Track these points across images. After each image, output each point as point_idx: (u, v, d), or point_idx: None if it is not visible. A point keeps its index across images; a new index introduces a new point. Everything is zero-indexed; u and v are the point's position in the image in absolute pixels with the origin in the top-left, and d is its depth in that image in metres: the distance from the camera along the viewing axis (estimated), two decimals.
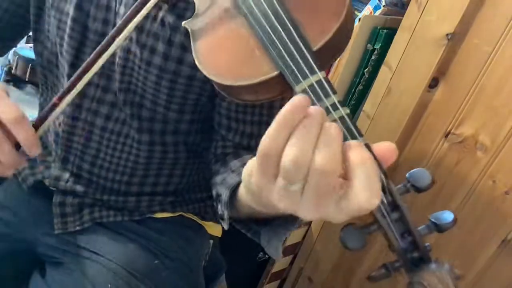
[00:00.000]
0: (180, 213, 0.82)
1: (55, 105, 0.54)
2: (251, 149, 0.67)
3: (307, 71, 0.38)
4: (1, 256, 0.73)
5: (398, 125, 0.92)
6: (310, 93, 0.38)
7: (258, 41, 0.42)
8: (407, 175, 0.38)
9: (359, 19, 0.95)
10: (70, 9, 0.66)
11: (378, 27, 0.95)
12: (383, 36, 0.94)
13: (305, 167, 0.32)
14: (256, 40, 0.42)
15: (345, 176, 0.33)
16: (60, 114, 0.55)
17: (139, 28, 0.62)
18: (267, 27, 0.42)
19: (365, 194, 0.32)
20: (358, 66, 0.99)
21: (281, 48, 0.40)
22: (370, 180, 0.32)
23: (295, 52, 0.40)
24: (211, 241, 0.87)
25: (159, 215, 0.79)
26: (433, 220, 0.38)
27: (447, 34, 0.82)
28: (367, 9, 1.01)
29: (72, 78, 0.54)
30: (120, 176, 0.75)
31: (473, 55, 0.81)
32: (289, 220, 0.49)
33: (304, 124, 0.33)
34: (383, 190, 0.36)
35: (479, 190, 0.84)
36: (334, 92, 0.37)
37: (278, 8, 0.42)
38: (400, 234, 0.37)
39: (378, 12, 0.98)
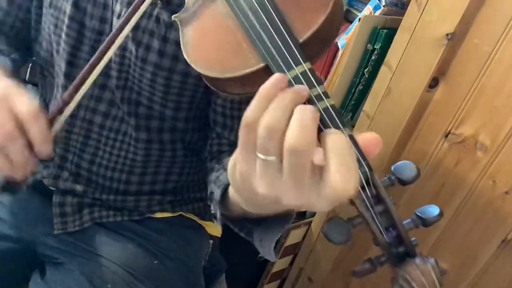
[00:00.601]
0: (180, 213, 0.82)
1: (63, 106, 0.54)
2: None
3: (292, 62, 0.38)
4: (0, 256, 0.73)
5: (398, 125, 0.92)
6: (295, 84, 0.38)
7: (245, 33, 0.42)
8: (392, 167, 0.38)
9: (359, 19, 0.95)
10: (67, 7, 0.66)
11: (378, 27, 0.95)
12: (383, 36, 0.94)
13: (277, 136, 0.33)
14: (243, 32, 0.43)
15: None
16: (69, 116, 0.55)
17: (135, 26, 0.62)
18: (253, 18, 0.42)
19: (340, 179, 0.32)
20: (358, 66, 0.99)
21: (267, 40, 0.40)
22: (345, 165, 0.32)
23: (280, 43, 0.40)
24: (211, 241, 0.87)
25: (159, 215, 0.80)
26: (418, 214, 0.38)
27: (447, 34, 0.82)
28: (367, 9, 1.01)
29: (79, 76, 0.53)
30: (118, 175, 0.75)
31: (473, 55, 0.81)
32: (280, 221, 0.49)
33: (280, 95, 0.34)
34: (367, 182, 0.36)
35: (479, 190, 0.84)
36: (319, 83, 0.37)
37: (265, 0, 0.42)
38: (385, 228, 0.37)
39: (378, 12, 0.98)
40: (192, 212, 0.83)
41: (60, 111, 0.54)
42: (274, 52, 0.39)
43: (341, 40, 1.05)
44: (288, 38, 0.40)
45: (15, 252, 0.75)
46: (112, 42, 0.54)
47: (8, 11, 0.73)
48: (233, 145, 0.68)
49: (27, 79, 1.24)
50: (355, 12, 1.13)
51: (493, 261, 0.85)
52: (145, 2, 0.53)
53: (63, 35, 0.67)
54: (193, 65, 0.45)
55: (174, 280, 0.74)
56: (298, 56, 0.39)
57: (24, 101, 0.50)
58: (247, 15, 0.42)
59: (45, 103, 0.80)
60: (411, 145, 0.92)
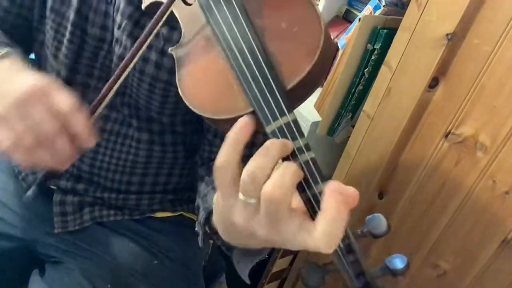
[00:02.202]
0: (180, 212, 0.82)
1: (103, 97, 0.53)
2: None
3: (277, 113, 0.39)
4: (0, 256, 0.73)
5: (398, 125, 0.92)
6: (279, 135, 0.39)
7: (235, 76, 0.43)
8: (366, 219, 0.41)
9: (359, 19, 0.95)
10: (70, 13, 0.66)
11: (378, 27, 0.95)
12: (383, 36, 0.94)
13: (258, 184, 0.35)
14: (233, 75, 0.43)
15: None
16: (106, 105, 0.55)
17: (134, 39, 0.62)
18: (242, 64, 0.42)
19: (325, 241, 0.34)
20: (358, 66, 0.99)
21: (254, 87, 0.41)
22: (334, 233, 0.34)
23: (266, 92, 0.40)
24: (211, 241, 0.87)
25: (159, 214, 0.80)
26: (387, 263, 0.41)
27: (447, 34, 0.82)
28: (367, 9, 1.01)
29: (115, 74, 0.53)
30: (119, 176, 0.75)
31: (473, 55, 0.81)
32: (256, 251, 0.50)
33: (268, 145, 0.36)
34: None
35: (479, 190, 0.84)
36: (302, 136, 0.38)
37: (254, 46, 0.43)
38: (356, 275, 0.40)
39: (378, 12, 0.98)
40: (193, 212, 0.83)
41: (100, 101, 0.54)
42: (261, 100, 0.40)
43: (341, 40, 1.05)
44: (274, 87, 0.40)
45: (15, 251, 0.75)
46: (122, 72, 0.53)
47: (9, 9, 0.73)
48: None
49: None
50: (355, 12, 1.13)
51: (493, 261, 0.85)
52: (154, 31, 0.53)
53: (65, 41, 0.67)
54: (186, 102, 0.45)
55: (174, 280, 0.74)
56: (283, 106, 0.40)
57: (64, 96, 0.50)
58: (235, 55, 0.43)
59: None
60: (411, 145, 0.92)
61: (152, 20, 0.51)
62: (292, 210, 0.36)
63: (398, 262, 0.41)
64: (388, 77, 0.92)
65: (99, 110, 0.54)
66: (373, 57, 0.97)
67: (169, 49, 0.50)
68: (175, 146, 0.74)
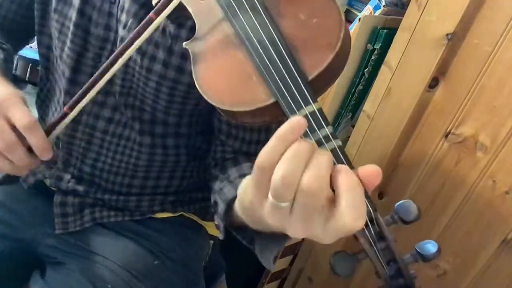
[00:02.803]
0: (181, 213, 0.82)
1: (65, 114, 0.56)
2: (250, 155, 0.67)
3: (301, 102, 0.39)
4: (1, 256, 0.73)
5: (398, 125, 0.92)
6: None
7: (255, 68, 0.43)
8: (395, 206, 0.40)
9: (359, 19, 0.95)
10: (73, 14, 0.66)
11: (378, 27, 0.95)
12: (383, 36, 0.94)
13: (292, 186, 0.34)
14: (253, 66, 0.43)
15: (333, 199, 0.35)
16: (70, 122, 0.58)
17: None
18: (263, 55, 0.42)
19: (351, 215, 0.34)
20: (358, 66, 0.99)
21: (277, 78, 0.41)
22: (356, 203, 0.34)
23: (290, 83, 0.40)
24: (211, 242, 0.87)
25: (160, 215, 0.80)
26: (418, 250, 0.41)
27: (447, 34, 0.82)
28: (367, 9, 1.01)
29: (84, 87, 0.55)
30: (121, 179, 0.75)
31: (473, 55, 0.81)
32: (282, 235, 0.49)
33: (297, 145, 0.34)
34: (371, 221, 0.39)
35: (479, 190, 0.84)
36: (328, 124, 0.38)
37: (275, 37, 0.43)
38: (386, 262, 0.40)
39: (378, 12, 0.98)
40: (193, 212, 0.83)
41: (60, 120, 0.57)
42: (284, 91, 0.40)
43: None
44: (298, 77, 0.40)
45: (15, 252, 0.75)
46: (118, 57, 0.54)
47: (8, 7, 0.73)
48: (237, 152, 0.68)
49: (27, 79, 1.24)
50: (355, 12, 1.13)
51: (493, 261, 0.85)
52: (155, 21, 0.53)
53: (68, 42, 0.67)
54: (204, 96, 0.45)
55: (174, 280, 0.74)
56: (308, 96, 0.39)
57: (21, 112, 0.53)
58: (256, 47, 0.43)
59: (43, 105, 0.80)
60: (411, 145, 0.92)
61: (153, 11, 0.51)
62: (325, 204, 0.35)
63: (430, 247, 0.40)
64: (388, 77, 0.92)
65: (61, 126, 0.57)
66: (373, 57, 0.97)
67: (184, 43, 0.50)
68: (177, 149, 0.74)
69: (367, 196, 0.37)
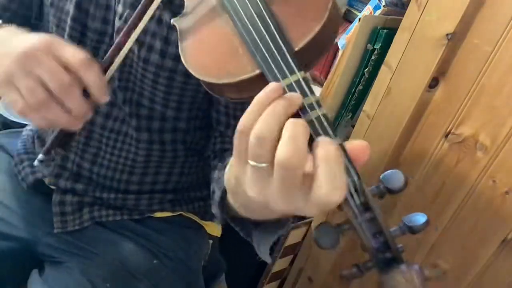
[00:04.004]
0: (180, 212, 0.82)
1: (120, 46, 0.53)
2: None
3: (286, 71, 0.39)
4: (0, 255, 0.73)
5: (398, 125, 0.92)
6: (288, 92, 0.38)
7: (241, 39, 0.43)
8: (380, 176, 0.39)
9: (359, 19, 0.95)
10: (70, 7, 0.66)
11: (378, 27, 0.95)
12: (383, 36, 0.94)
13: (268, 143, 0.34)
14: (239, 38, 0.43)
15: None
16: (126, 56, 0.54)
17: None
18: (249, 25, 0.42)
19: (327, 187, 0.33)
20: (358, 66, 0.99)
21: (262, 47, 0.41)
22: (332, 174, 0.33)
23: (275, 51, 0.40)
24: (211, 241, 0.87)
25: (159, 214, 0.80)
26: (405, 221, 0.40)
27: (447, 34, 0.82)
28: (367, 9, 1.01)
29: (133, 17, 0.53)
30: (119, 175, 0.75)
31: (473, 55, 0.81)
32: (275, 226, 0.49)
33: (273, 104, 0.35)
34: (356, 190, 0.37)
35: (479, 190, 0.84)
36: (312, 93, 0.38)
37: (262, 8, 0.43)
38: (372, 234, 0.38)
39: (378, 12, 0.98)
40: (192, 212, 0.83)
41: (113, 56, 0.54)
42: (270, 60, 0.40)
43: (341, 40, 1.05)
44: (283, 46, 0.40)
45: (14, 251, 0.75)
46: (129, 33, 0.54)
47: (7, 6, 0.73)
48: None
49: None
50: (355, 12, 1.13)
51: (493, 261, 0.85)
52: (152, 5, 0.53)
53: (66, 36, 0.67)
54: (190, 70, 0.45)
55: (173, 280, 0.74)
56: (293, 65, 0.39)
57: (72, 49, 0.49)
58: (243, 21, 0.43)
59: None
60: (411, 145, 0.92)
61: None
62: (305, 175, 0.34)
63: (418, 218, 0.39)
64: (388, 77, 0.92)
65: (112, 68, 0.53)
66: (373, 57, 0.97)
67: (172, 20, 0.50)
68: (174, 145, 0.74)
69: (351, 164, 0.36)
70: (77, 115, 0.50)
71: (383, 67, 0.93)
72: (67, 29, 0.67)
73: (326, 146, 0.34)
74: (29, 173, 0.78)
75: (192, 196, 0.83)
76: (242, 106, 0.66)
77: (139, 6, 0.54)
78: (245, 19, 0.43)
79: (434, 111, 0.88)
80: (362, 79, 1.00)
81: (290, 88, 0.38)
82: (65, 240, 0.75)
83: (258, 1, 0.43)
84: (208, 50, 0.46)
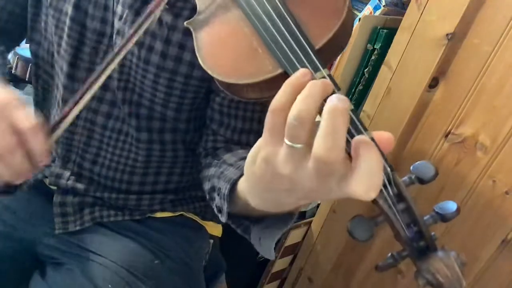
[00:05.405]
0: (181, 212, 0.82)
1: (64, 116, 0.55)
2: (242, 144, 0.67)
3: (311, 69, 0.39)
4: (1, 257, 0.73)
5: (398, 125, 0.92)
6: None
7: (261, 40, 0.43)
8: (411, 167, 0.40)
9: (359, 19, 0.95)
10: (68, 8, 0.66)
11: (378, 27, 0.95)
12: (383, 36, 0.94)
13: (307, 124, 0.34)
14: (259, 39, 0.43)
15: (351, 160, 0.34)
16: (68, 125, 0.56)
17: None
18: (270, 26, 0.42)
19: (364, 186, 0.33)
20: (358, 66, 0.99)
21: (285, 47, 0.41)
22: (372, 173, 0.33)
23: (298, 51, 0.40)
24: (211, 241, 0.87)
25: (160, 214, 0.80)
26: (437, 210, 0.40)
27: (447, 34, 0.82)
28: (367, 9, 1.01)
29: (80, 90, 0.55)
30: (120, 175, 0.75)
31: (473, 55, 0.81)
32: (282, 219, 0.49)
33: (310, 85, 0.35)
34: (389, 182, 0.37)
35: (479, 190, 0.84)
36: (339, 89, 0.38)
37: (281, 8, 0.43)
38: (406, 224, 0.38)
39: (378, 12, 0.98)
40: (193, 212, 0.83)
41: (60, 120, 0.55)
42: (293, 59, 0.40)
43: None
44: (305, 44, 0.40)
45: (15, 252, 0.74)
46: (118, 52, 0.54)
47: (3, 6, 0.73)
48: (228, 142, 0.68)
49: (27, 79, 1.24)
50: (355, 12, 1.13)
51: (493, 261, 0.85)
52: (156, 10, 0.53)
53: (65, 36, 0.67)
54: (209, 72, 0.45)
55: (174, 280, 0.74)
56: (317, 62, 0.39)
57: (23, 114, 0.52)
58: (262, 20, 0.43)
59: (40, 102, 0.80)
60: (411, 145, 0.92)
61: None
62: (343, 165, 0.34)
63: (450, 206, 0.40)
64: (388, 77, 0.92)
65: (62, 127, 0.55)
66: (373, 57, 0.97)
67: (185, 22, 0.50)
68: (175, 145, 0.74)
69: (384, 157, 0.36)
70: (18, 173, 0.53)
71: (383, 67, 0.93)
72: (66, 29, 0.67)
73: (366, 144, 0.34)
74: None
75: (193, 196, 0.83)
76: (237, 105, 0.66)
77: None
78: (263, 16, 0.43)
79: (434, 111, 0.88)
80: (362, 79, 1.00)
81: None
82: (66, 241, 0.75)
83: (277, 0, 0.43)
84: (226, 51, 0.46)
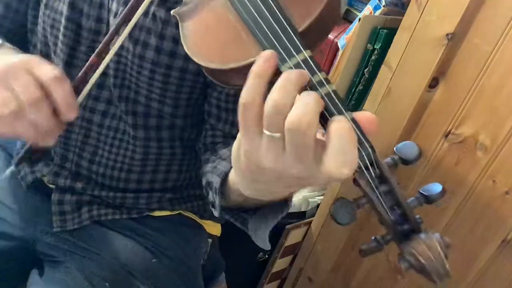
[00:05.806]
0: (179, 211, 0.82)
1: (93, 66, 0.53)
2: None
3: (292, 50, 0.39)
4: None
5: (398, 125, 0.92)
6: None
7: (244, 24, 0.43)
8: (394, 148, 0.39)
9: (359, 19, 0.95)
10: (64, 7, 0.66)
11: (378, 27, 0.95)
12: (383, 36, 0.94)
13: (284, 112, 0.34)
14: (242, 23, 0.43)
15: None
16: (99, 77, 0.55)
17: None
18: (252, 10, 0.42)
19: (336, 162, 0.33)
20: (358, 66, 0.99)
21: (266, 29, 0.41)
22: (342, 148, 0.33)
23: (280, 32, 0.40)
24: (210, 240, 0.87)
25: (158, 213, 0.80)
26: (422, 191, 0.39)
27: (447, 34, 0.82)
28: (367, 9, 1.01)
29: (108, 36, 0.55)
30: (118, 173, 0.75)
31: (473, 55, 0.81)
32: (277, 208, 0.49)
33: (285, 75, 0.36)
34: (371, 163, 0.37)
35: (479, 190, 0.84)
36: (320, 70, 0.38)
37: None
38: (390, 207, 0.38)
39: (378, 12, 0.98)
40: (191, 211, 0.83)
41: (84, 79, 0.54)
42: (274, 41, 0.40)
43: (341, 40, 1.05)
44: (287, 27, 0.40)
45: (13, 251, 0.74)
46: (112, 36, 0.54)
47: (4, 15, 0.73)
48: (227, 136, 0.68)
49: None
50: (355, 12, 1.13)
51: (493, 261, 0.85)
52: (144, 2, 0.54)
53: (60, 36, 0.68)
54: (194, 58, 0.45)
55: (172, 279, 0.74)
56: (299, 44, 0.39)
57: (46, 66, 0.50)
58: (245, 5, 0.43)
59: None
60: None
61: None
62: (317, 141, 0.35)
63: (434, 187, 0.39)
64: (388, 77, 0.92)
65: (88, 86, 0.54)
66: (373, 57, 0.97)
67: (172, 11, 0.50)
68: (172, 142, 0.74)
69: (365, 137, 0.36)
70: (45, 130, 0.51)
71: (383, 67, 0.93)
72: (62, 29, 0.67)
73: (338, 121, 0.34)
74: (28, 172, 0.78)
75: (191, 194, 0.83)
76: (234, 99, 0.67)
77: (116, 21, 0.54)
78: (246, 1, 0.43)
79: (434, 111, 0.88)
80: (362, 79, 1.00)
81: (298, 67, 0.38)
82: (64, 239, 0.75)
83: None
84: (210, 37, 0.46)
